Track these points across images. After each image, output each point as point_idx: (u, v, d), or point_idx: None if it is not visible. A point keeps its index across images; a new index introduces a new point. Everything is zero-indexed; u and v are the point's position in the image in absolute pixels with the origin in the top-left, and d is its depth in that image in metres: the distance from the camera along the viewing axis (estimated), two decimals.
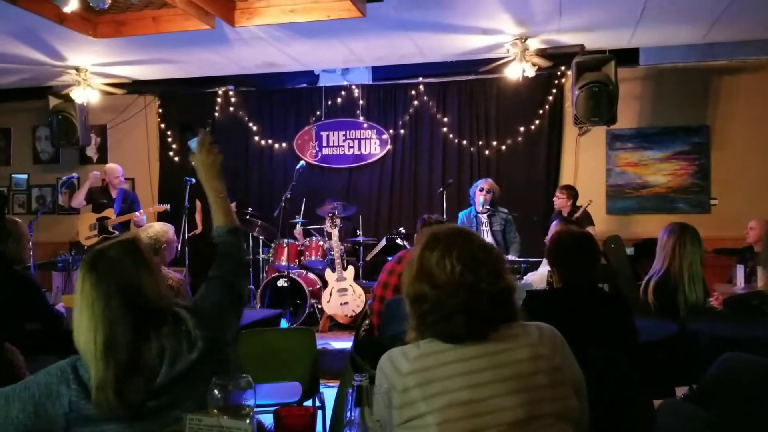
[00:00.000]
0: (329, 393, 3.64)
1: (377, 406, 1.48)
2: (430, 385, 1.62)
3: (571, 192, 7.12)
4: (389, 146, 8.61)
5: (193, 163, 2.19)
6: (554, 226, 5.50)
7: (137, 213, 7.41)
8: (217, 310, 1.94)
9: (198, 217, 8.19)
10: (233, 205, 7.26)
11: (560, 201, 7.13)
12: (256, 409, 1.48)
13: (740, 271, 5.45)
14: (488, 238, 6.73)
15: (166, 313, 1.80)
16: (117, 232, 7.43)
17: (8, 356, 2.35)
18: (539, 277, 5.46)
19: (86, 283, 1.76)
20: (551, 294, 3.15)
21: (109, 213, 7.58)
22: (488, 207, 6.72)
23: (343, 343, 6.22)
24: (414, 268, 1.73)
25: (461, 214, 6.97)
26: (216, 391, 1.43)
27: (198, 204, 8.15)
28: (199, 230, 8.11)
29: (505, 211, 6.81)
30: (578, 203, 7.10)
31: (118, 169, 7.82)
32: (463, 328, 1.64)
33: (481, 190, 6.74)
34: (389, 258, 4.89)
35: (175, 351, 1.76)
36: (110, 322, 1.71)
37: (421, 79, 8.50)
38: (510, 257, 6.48)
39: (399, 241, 7.40)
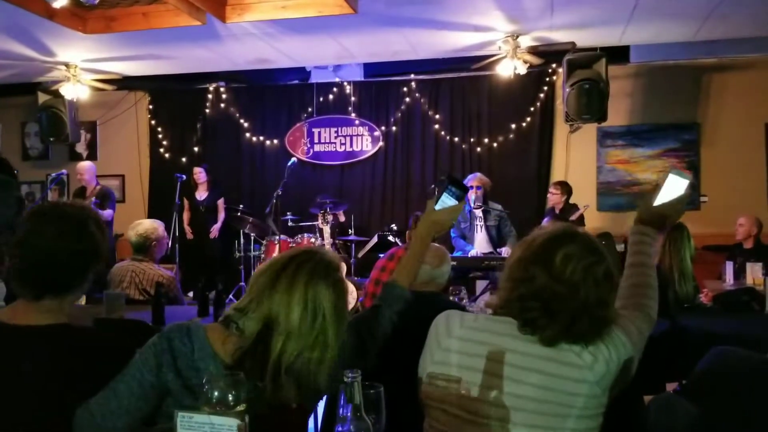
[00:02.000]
0: None
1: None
2: (469, 357, 1.67)
3: (565, 188, 7.14)
4: (381, 143, 8.61)
5: (428, 209, 2.11)
6: (545, 224, 5.51)
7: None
8: (345, 365, 1.84)
9: (186, 218, 8.16)
10: (222, 201, 7.24)
11: (555, 197, 7.15)
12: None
13: (730, 268, 5.47)
14: (483, 233, 6.74)
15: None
16: None
17: None
18: None
19: (304, 269, 1.76)
20: None
21: None
22: (480, 203, 6.72)
23: None
24: (534, 249, 1.69)
25: None
26: (207, 388, 1.42)
27: (186, 216, 8.14)
28: (189, 237, 8.10)
29: (500, 208, 6.81)
30: (571, 201, 7.12)
31: (81, 167, 7.73)
32: (550, 328, 1.63)
33: (471, 187, 6.74)
34: (381, 255, 4.88)
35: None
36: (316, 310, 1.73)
37: (413, 76, 8.50)
38: (504, 251, 6.49)
39: (391, 237, 7.40)
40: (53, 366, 1.74)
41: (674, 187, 1.97)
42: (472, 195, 6.71)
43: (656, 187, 2.00)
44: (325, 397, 2.84)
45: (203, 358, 1.69)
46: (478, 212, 6.78)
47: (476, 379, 1.65)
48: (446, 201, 2.09)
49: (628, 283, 1.90)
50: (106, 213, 7.27)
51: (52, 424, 1.69)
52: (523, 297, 1.66)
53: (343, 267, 1.95)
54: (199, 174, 8.09)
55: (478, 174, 6.96)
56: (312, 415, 3.50)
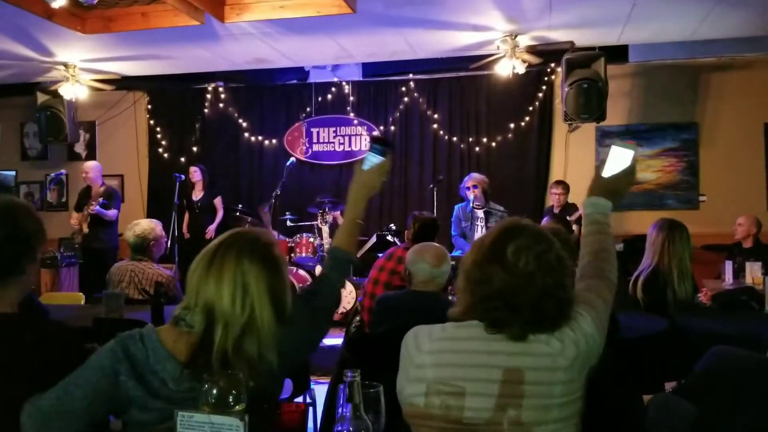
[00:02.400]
0: (320, 389, 3.64)
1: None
2: (444, 368, 1.66)
3: (565, 187, 7.17)
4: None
5: (356, 171, 2.13)
6: (545, 223, 5.52)
7: (91, 205, 7.25)
8: (302, 328, 1.91)
9: (186, 218, 8.16)
10: (219, 200, 7.23)
11: (561, 197, 7.18)
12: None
13: (729, 267, 5.48)
14: (483, 233, 6.73)
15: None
16: (87, 230, 7.33)
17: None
18: None
19: (232, 251, 1.77)
20: None
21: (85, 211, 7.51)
22: (480, 203, 6.71)
23: (333, 339, 6.21)
24: (486, 248, 1.71)
25: (457, 207, 6.97)
26: (207, 387, 1.42)
27: (186, 217, 8.14)
28: (186, 237, 8.11)
29: (501, 208, 6.81)
30: (570, 200, 7.13)
31: (87, 166, 7.72)
32: (517, 323, 1.65)
33: (468, 188, 6.74)
34: (380, 254, 4.88)
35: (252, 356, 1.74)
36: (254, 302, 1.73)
37: (411, 75, 8.50)
38: None
39: (389, 237, 7.39)
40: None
41: (620, 158, 2.00)
42: (470, 195, 6.71)
43: (602, 162, 2.03)
44: (325, 397, 2.84)
45: (159, 360, 1.70)
46: (479, 212, 6.78)
47: (454, 389, 1.64)
48: (372, 159, 2.09)
49: (585, 251, 1.91)
50: (111, 213, 7.26)
51: None
52: (484, 299, 1.67)
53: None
54: (194, 173, 8.08)
55: (474, 174, 6.96)
56: (312, 414, 3.51)
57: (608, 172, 2.00)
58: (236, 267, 1.74)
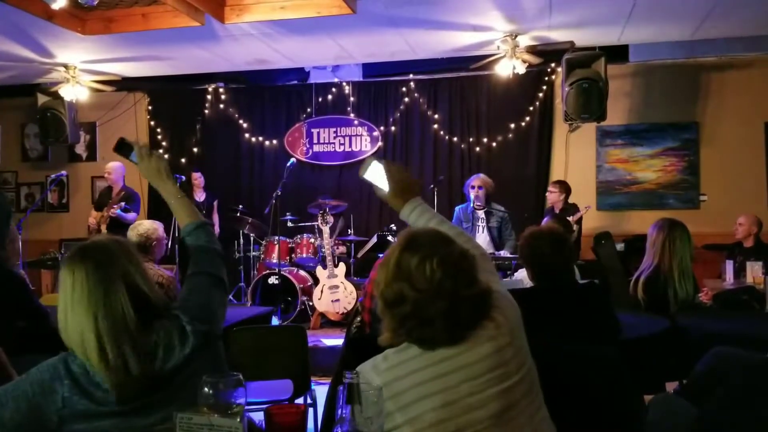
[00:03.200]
0: (320, 390, 3.64)
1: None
2: (402, 395, 1.64)
3: (564, 187, 7.14)
4: (380, 143, 8.61)
5: (142, 174, 2.22)
6: (545, 223, 5.51)
7: (113, 209, 7.26)
8: (205, 303, 1.92)
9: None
10: (216, 203, 7.17)
11: (553, 195, 7.15)
12: (246, 407, 1.48)
13: (729, 267, 5.48)
14: (484, 234, 6.73)
15: (159, 308, 1.80)
16: (105, 231, 7.34)
17: None
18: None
19: (78, 274, 1.75)
20: (525, 293, 3.13)
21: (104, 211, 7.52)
22: (480, 204, 6.71)
23: (334, 340, 6.22)
24: (391, 269, 1.70)
25: (458, 209, 6.96)
26: (206, 389, 1.42)
27: None
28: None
29: (502, 209, 6.81)
30: (571, 200, 7.12)
31: (110, 166, 7.74)
32: (443, 334, 1.65)
33: (473, 187, 6.74)
34: (380, 255, 4.88)
35: (168, 346, 1.76)
36: (113, 310, 1.71)
37: (411, 76, 8.50)
38: (503, 253, 6.48)
39: (390, 238, 7.39)
40: None
41: (375, 174, 2.13)
42: (472, 194, 6.71)
43: (374, 187, 2.16)
44: (325, 398, 2.84)
45: (95, 371, 1.71)
46: (481, 213, 6.77)
47: (418, 410, 1.63)
48: (134, 159, 2.23)
49: (452, 233, 1.93)
50: (131, 217, 7.26)
51: None
52: (402, 320, 1.66)
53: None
54: (199, 178, 8.08)
55: (481, 175, 6.95)
56: (312, 414, 3.51)
57: (384, 186, 2.14)
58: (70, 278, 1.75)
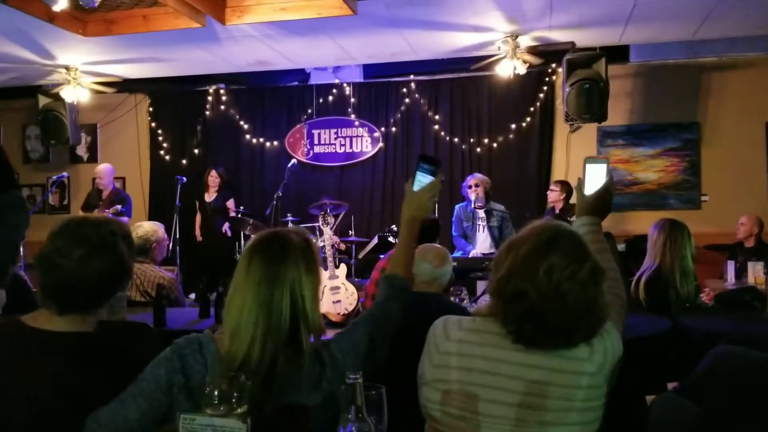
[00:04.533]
0: None
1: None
2: (468, 358, 1.68)
3: (565, 187, 7.11)
4: (381, 144, 8.61)
5: (407, 193, 2.04)
6: None
7: (107, 211, 7.24)
8: (359, 362, 1.78)
9: (198, 220, 8.16)
10: (231, 202, 7.16)
11: (554, 194, 7.14)
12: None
13: (731, 267, 5.47)
14: (484, 234, 6.73)
15: (323, 327, 1.73)
16: None
17: None
18: None
19: (255, 258, 1.72)
20: None
21: (95, 213, 7.53)
22: (481, 203, 6.70)
23: None
24: (519, 259, 1.67)
25: (458, 207, 6.96)
26: (209, 389, 1.42)
27: (198, 218, 8.14)
28: (199, 239, 8.11)
29: (502, 208, 6.81)
30: (572, 201, 7.10)
31: (100, 170, 7.73)
32: (543, 340, 1.64)
33: (470, 186, 6.73)
34: (381, 256, 4.88)
35: (297, 380, 1.69)
36: (272, 312, 1.67)
37: (412, 76, 8.50)
38: None
39: (391, 239, 7.38)
40: (69, 371, 1.73)
41: (596, 174, 2.03)
42: (472, 194, 6.70)
43: (580, 181, 2.06)
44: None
45: (215, 371, 1.65)
46: (481, 212, 6.77)
47: (477, 379, 1.66)
48: (422, 180, 2.02)
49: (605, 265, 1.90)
50: (124, 220, 7.25)
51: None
52: (517, 317, 1.65)
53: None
54: (213, 179, 8.06)
55: (477, 174, 6.95)
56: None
57: (589, 189, 2.04)
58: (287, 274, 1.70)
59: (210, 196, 8.09)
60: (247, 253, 1.75)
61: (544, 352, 1.64)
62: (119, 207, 7.22)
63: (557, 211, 7.06)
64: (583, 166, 2.05)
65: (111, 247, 1.84)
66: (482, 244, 6.71)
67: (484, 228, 6.77)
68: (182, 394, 1.66)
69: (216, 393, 1.41)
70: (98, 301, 1.86)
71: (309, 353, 1.72)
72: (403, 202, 2.04)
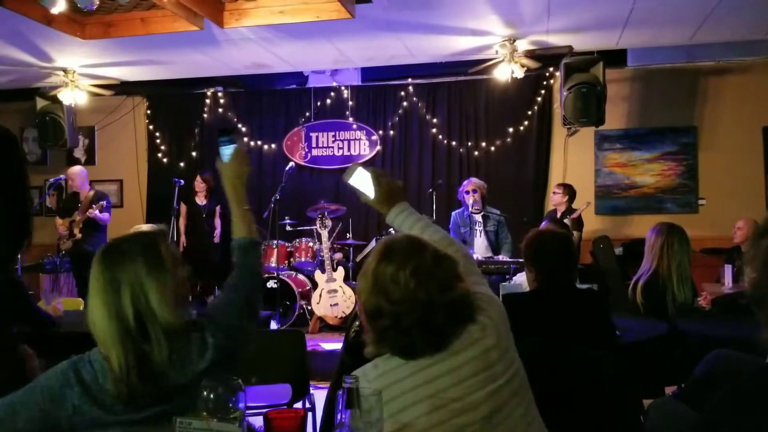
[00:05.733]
0: (319, 395, 3.63)
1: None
2: (392, 403, 1.63)
3: (568, 190, 7.12)
4: (378, 147, 8.61)
5: (219, 168, 2.13)
6: (543, 227, 5.50)
7: (90, 210, 7.22)
8: (236, 323, 1.90)
9: (182, 224, 8.12)
10: (219, 207, 7.11)
11: (556, 197, 7.15)
12: (246, 412, 1.48)
13: (728, 271, 5.48)
14: (482, 238, 6.73)
15: (176, 321, 1.75)
16: (80, 234, 7.30)
17: (22, 357, 2.33)
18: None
19: (96, 269, 1.76)
20: (528, 296, 3.13)
21: (75, 216, 7.48)
22: (479, 207, 6.70)
23: (333, 344, 6.21)
24: (369, 281, 1.70)
25: (454, 214, 6.96)
26: (206, 394, 1.42)
27: (182, 222, 8.10)
28: (183, 244, 8.06)
29: (497, 212, 6.82)
30: (573, 205, 7.11)
31: (72, 171, 7.67)
32: (421, 343, 1.65)
33: (467, 192, 6.73)
34: None
35: (185, 357, 1.74)
36: (119, 314, 1.70)
37: (410, 80, 8.51)
38: (501, 257, 6.48)
39: None
40: None
41: (360, 179, 2.16)
42: (469, 200, 6.70)
43: (359, 192, 2.18)
44: (324, 403, 2.84)
45: (107, 379, 1.70)
46: (478, 217, 6.77)
47: (407, 417, 1.63)
48: (226, 152, 2.12)
49: (435, 239, 1.94)
50: (107, 217, 7.25)
51: None
52: (382, 333, 1.67)
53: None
54: (198, 183, 8.03)
55: (473, 179, 6.95)
56: (311, 419, 3.50)
57: (369, 191, 2.16)
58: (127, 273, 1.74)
59: (202, 200, 8.07)
60: (93, 263, 1.79)
61: (445, 353, 1.65)
62: (103, 203, 7.19)
63: (558, 215, 7.06)
64: (350, 185, 2.17)
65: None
66: (480, 248, 6.71)
67: (481, 233, 6.76)
68: (86, 403, 1.68)
69: (212, 397, 1.41)
70: None
71: (186, 327, 1.78)
72: (222, 177, 2.12)
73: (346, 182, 2.17)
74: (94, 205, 7.19)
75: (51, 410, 1.67)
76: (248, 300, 1.97)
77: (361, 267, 5.79)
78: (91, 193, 7.49)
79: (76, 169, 7.68)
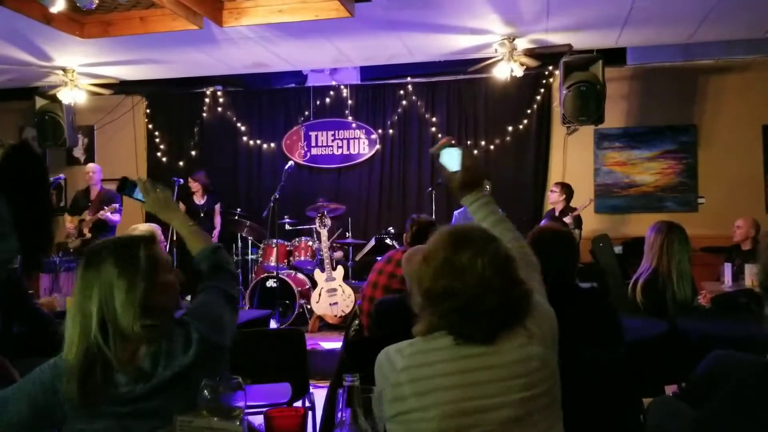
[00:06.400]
0: (319, 394, 3.64)
1: (375, 405, 1.54)
2: (422, 381, 1.64)
3: (565, 189, 7.12)
4: (378, 146, 8.61)
5: (146, 209, 2.23)
6: (543, 225, 5.49)
7: (103, 211, 7.26)
8: (216, 316, 1.95)
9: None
10: (219, 205, 7.17)
11: (553, 196, 7.15)
12: (246, 411, 1.48)
13: (728, 269, 5.48)
14: None
15: (135, 327, 1.76)
16: (89, 234, 7.33)
17: None
18: None
19: (78, 270, 1.81)
20: None
21: (84, 215, 7.51)
22: None
23: (332, 343, 6.21)
24: (439, 263, 1.71)
25: (456, 213, 6.95)
26: (206, 393, 1.42)
27: (182, 208, 8.10)
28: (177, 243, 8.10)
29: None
30: (571, 204, 7.11)
31: (93, 166, 7.73)
32: (482, 331, 1.66)
33: None
34: (378, 258, 4.88)
35: (170, 352, 1.76)
36: (84, 315, 1.74)
37: (409, 79, 8.51)
38: None
39: (388, 241, 7.40)
40: None
41: (451, 157, 2.12)
42: None
43: (441, 167, 2.14)
44: (324, 401, 2.84)
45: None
46: None
47: (435, 399, 1.64)
48: (137, 196, 2.25)
49: (506, 238, 1.96)
50: (118, 218, 7.27)
51: None
52: (447, 315, 1.68)
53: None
54: (192, 184, 8.03)
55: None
56: (311, 418, 3.50)
57: (454, 168, 2.12)
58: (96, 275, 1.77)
59: (199, 200, 8.07)
60: (78, 264, 1.86)
61: (491, 348, 1.66)
62: (116, 206, 7.24)
63: (557, 213, 7.07)
64: (439, 159, 2.13)
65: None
66: None
67: None
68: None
69: (212, 395, 1.41)
70: None
71: (167, 326, 1.81)
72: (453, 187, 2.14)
73: (432, 153, 2.16)
74: (105, 207, 7.22)
75: (42, 402, 1.72)
76: (225, 292, 2.03)
77: (360, 266, 5.78)
78: (102, 192, 7.52)
79: (95, 165, 7.73)
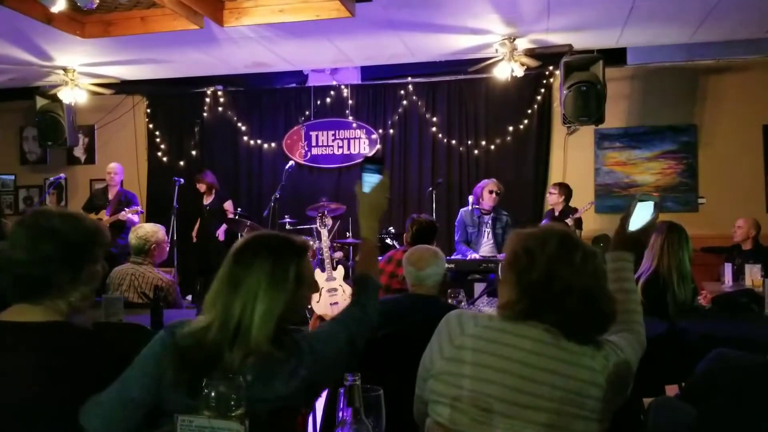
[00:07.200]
0: None
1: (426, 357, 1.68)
2: (484, 355, 1.68)
3: (564, 189, 7.12)
4: (378, 146, 8.60)
5: (358, 195, 2.10)
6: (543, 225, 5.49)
7: (124, 212, 7.30)
8: (332, 356, 1.85)
9: (196, 226, 8.18)
10: (229, 203, 7.17)
11: (552, 197, 7.15)
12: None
13: (728, 270, 5.48)
14: (489, 239, 6.72)
15: (265, 343, 1.73)
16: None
17: None
18: None
19: (229, 258, 1.81)
20: None
21: (102, 215, 7.53)
22: (488, 208, 6.70)
23: None
24: (554, 252, 1.72)
25: (462, 211, 6.92)
26: (207, 392, 1.42)
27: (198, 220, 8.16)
28: (194, 240, 8.14)
29: (506, 213, 6.81)
30: (570, 203, 7.11)
31: (114, 166, 7.79)
32: (565, 327, 1.68)
33: (491, 192, 6.68)
34: (379, 258, 4.87)
35: (272, 377, 1.72)
36: (226, 311, 1.73)
37: (410, 78, 8.50)
38: (502, 256, 6.45)
39: (388, 240, 7.39)
40: (42, 362, 1.74)
41: (643, 211, 2.06)
42: (490, 199, 6.67)
43: (627, 212, 2.09)
44: (325, 401, 2.84)
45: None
46: (487, 218, 6.74)
47: (490, 376, 1.66)
48: (370, 180, 2.09)
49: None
50: (137, 220, 7.29)
51: (32, 421, 1.70)
52: (539, 303, 1.70)
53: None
54: (199, 186, 8.07)
55: (494, 179, 6.89)
56: (311, 418, 3.50)
57: (634, 225, 2.06)
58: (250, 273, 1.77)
59: (207, 199, 8.09)
60: (230, 250, 1.83)
61: (560, 350, 1.66)
62: (138, 208, 7.32)
63: (556, 214, 7.07)
64: (634, 204, 2.08)
65: (49, 231, 1.84)
66: (486, 249, 6.67)
67: (489, 233, 6.74)
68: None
69: (213, 394, 1.41)
70: (55, 283, 1.84)
71: (285, 346, 1.76)
72: (358, 206, 2.10)
73: (632, 203, 2.10)
74: (126, 209, 7.24)
75: (158, 375, 1.71)
76: (351, 338, 1.92)
77: None
78: (120, 192, 7.56)
79: (118, 165, 7.76)
